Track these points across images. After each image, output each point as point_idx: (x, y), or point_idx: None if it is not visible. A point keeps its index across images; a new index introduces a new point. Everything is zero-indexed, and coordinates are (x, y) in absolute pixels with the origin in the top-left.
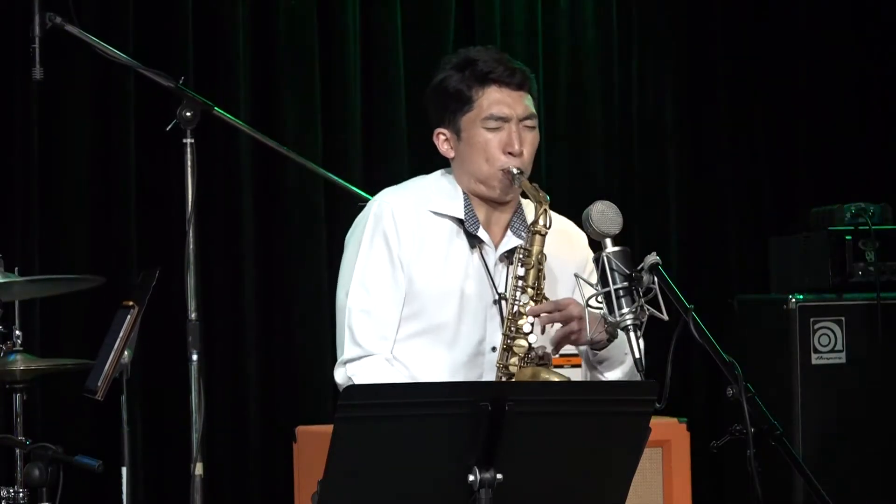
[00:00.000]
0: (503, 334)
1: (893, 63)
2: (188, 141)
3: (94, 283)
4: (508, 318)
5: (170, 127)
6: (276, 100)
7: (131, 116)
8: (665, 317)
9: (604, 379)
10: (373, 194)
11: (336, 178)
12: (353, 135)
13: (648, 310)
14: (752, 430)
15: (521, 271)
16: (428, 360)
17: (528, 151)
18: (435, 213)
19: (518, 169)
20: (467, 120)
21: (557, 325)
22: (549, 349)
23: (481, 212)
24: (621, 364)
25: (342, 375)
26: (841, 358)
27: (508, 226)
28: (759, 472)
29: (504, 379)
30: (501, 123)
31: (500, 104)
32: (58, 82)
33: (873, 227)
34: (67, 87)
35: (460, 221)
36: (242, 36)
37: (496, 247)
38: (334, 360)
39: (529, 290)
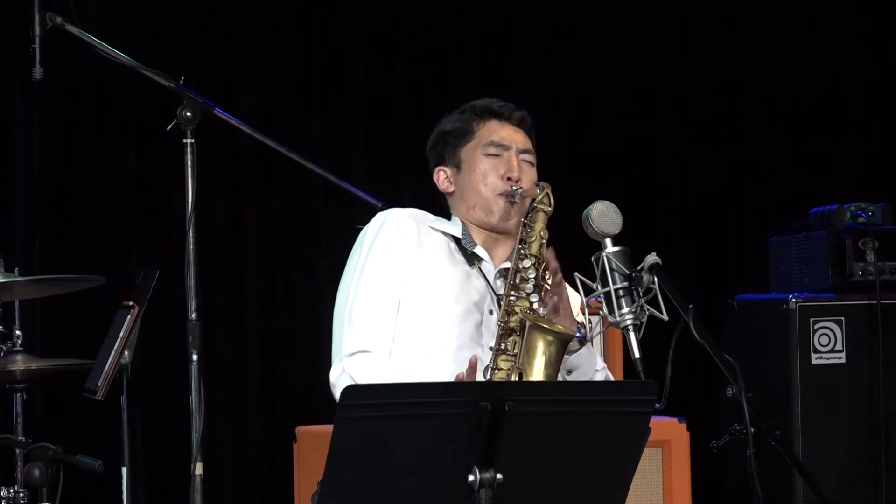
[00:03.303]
0: (504, 294)
1: (893, 63)
2: (188, 141)
3: (94, 283)
4: (510, 284)
5: (170, 127)
6: (277, 100)
7: (131, 116)
8: (665, 317)
9: None
10: (373, 195)
11: (336, 178)
12: (353, 135)
13: (648, 310)
14: (752, 430)
15: (523, 244)
16: (424, 361)
17: (527, 184)
18: (433, 229)
19: (518, 186)
20: (467, 150)
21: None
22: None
23: (479, 238)
24: (589, 379)
25: (337, 371)
26: (841, 358)
27: (510, 256)
28: (759, 472)
29: (503, 335)
30: (501, 151)
31: (500, 133)
32: (58, 82)
33: (873, 227)
34: (68, 87)
35: (457, 240)
36: (242, 36)
37: (495, 266)
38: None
39: (532, 257)
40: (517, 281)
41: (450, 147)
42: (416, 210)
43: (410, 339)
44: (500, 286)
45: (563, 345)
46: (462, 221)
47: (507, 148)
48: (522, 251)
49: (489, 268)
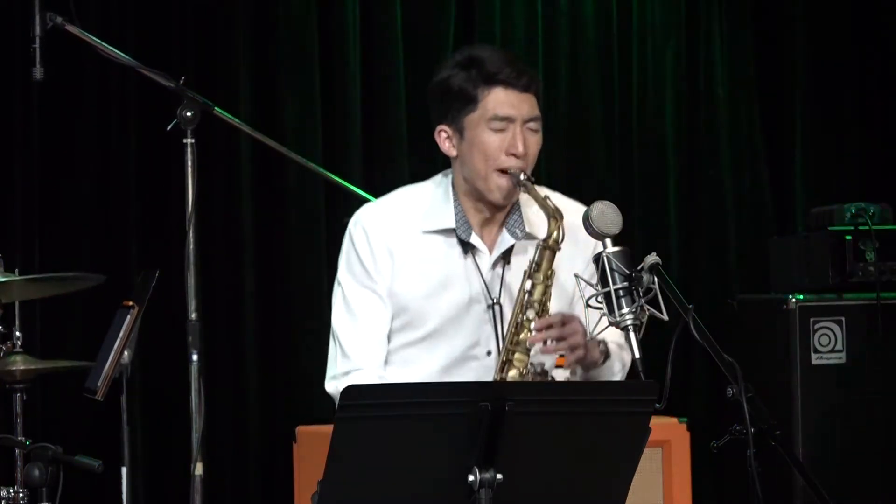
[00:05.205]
0: (505, 348)
1: (893, 63)
2: (188, 141)
3: (95, 282)
4: (511, 331)
5: (170, 127)
6: (276, 100)
7: (131, 116)
8: (665, 317)
9: None
10: (373, 194)
11: (336, 178)
12: (353, 135)
13: (648, 310)
14: (752, 430)
15: (527, 285)
16: (419, 366)
17: (531, 153)
18: (425, 233)
19: (525, 174)
20: (471, 120)
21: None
22: (547, 365)
23: (476, 216)
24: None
25: (333, 388)
26: (841, 358)
27: (503, 224)
28: (759, 472)
29: None
30: (506, 124)
31: (505, 105)
32: (58, 82)
33: (873, 227)
34: (68, 87)
35: (451, 230)
36: (242, 36)
37: (491, 250)
38: None
39: (536, 304)
40: (516, 327)
41: (453, 111)
42: (399, 207)
43: (409, 344)
44: (495, 275)
45: None
46: (455, 199)
47: (511, 120)
48: (525, 296)
49: (485, 260)
